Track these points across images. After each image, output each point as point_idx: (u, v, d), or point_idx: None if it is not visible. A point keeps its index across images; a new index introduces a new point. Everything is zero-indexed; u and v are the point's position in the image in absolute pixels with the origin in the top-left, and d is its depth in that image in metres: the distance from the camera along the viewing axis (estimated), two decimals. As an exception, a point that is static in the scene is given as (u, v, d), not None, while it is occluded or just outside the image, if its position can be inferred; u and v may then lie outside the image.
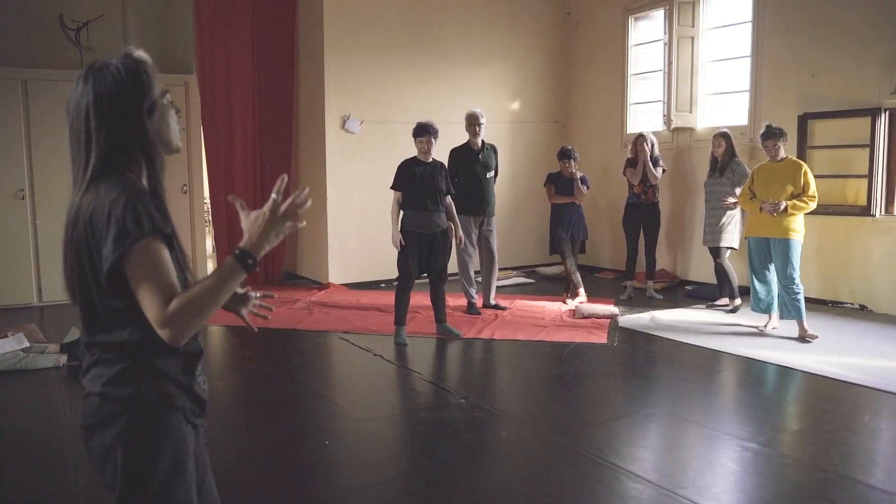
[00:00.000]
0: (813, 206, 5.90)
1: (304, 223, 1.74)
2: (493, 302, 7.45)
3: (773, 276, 6.12)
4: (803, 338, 5.99)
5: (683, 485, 3.46)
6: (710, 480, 3.56)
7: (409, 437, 4.27)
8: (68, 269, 1.71)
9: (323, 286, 8.48)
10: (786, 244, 5.92)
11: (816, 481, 3.50)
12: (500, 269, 7.85)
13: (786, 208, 5.85)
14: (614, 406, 4.71)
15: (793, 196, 5.90)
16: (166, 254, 1.62)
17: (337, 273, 8.57)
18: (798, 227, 5.94)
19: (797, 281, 5.93)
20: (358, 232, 8.61)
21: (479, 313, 7.16)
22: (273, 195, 1.68)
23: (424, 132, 6.12)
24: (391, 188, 6.21)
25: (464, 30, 9.08)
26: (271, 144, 8.78)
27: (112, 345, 1.69)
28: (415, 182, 6.09)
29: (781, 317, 6.15)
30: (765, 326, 6.31)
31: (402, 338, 6.11)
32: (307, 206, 1.71)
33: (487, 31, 9.27)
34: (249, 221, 1.69)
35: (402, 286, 6.16)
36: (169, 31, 8.50)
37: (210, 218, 8.88)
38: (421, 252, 6.11)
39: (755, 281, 6.22)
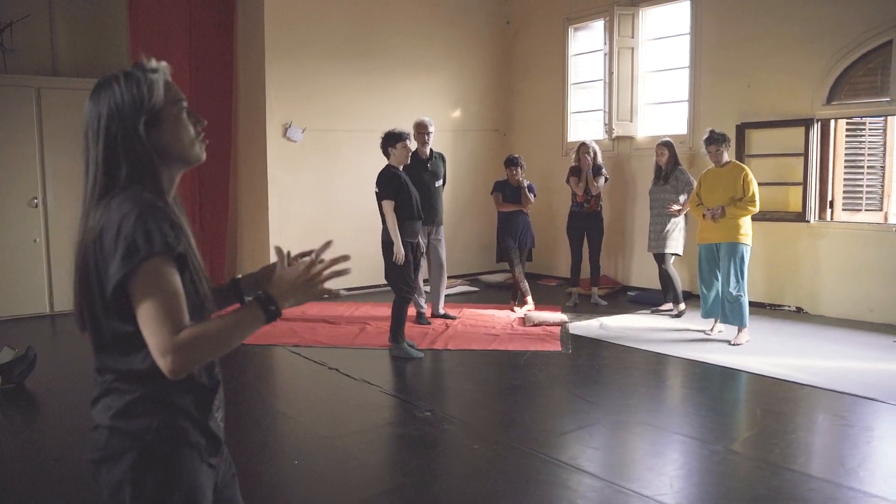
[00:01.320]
0: (753, 210, 6.02)
1: (340, 295, 1.72)
2: (442, 311, 7.40)
3: (720, 282, 6.25)
4: (730, 342, 6.13)
5: (662, 491, 3.49)
6: (686, 485, 3.60)
7: (380, 453, 4.18)
8: (77, 289, 1.60)
9: (265, 298, 8.26)
10: (732, 248, 6.04)
11: (787, 482, 3.58)
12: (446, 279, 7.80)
13: (723, 212, 5.98)
14: (579, 414, 4.73)
15: (734, 200, 6.02)
16: (177, 278, 1.52)
17: (279, 284, 8.35)
18: (744, 231, 6.05)
19: (742, 286, 6.05)
20: (300, 242, 8.20)
21: (429, 323, 7.10)
22: (314, 255, 1.68)
23: (404, 136, 6.04)
24: (386, 198, 5.94)
25: (406, 38, 9.04)
26: (209, 153, 8.45)
27: (122, 373, 1.58)
28: (406, 190, 6.00)
29: (724, 321, 6.27)
30: (711, 330, 6.46)
31: (413, 350, 6.01)
32: (345, 272, 1.68)
33: (429, 39, 9.26)
34: (285, 270, 1.66)
35: (408, 299, 6.06)
36: (101, 34, 8.13)
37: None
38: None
39: (703, 287, 6.36)
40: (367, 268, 8.71)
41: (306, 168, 8.42)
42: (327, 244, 1.71)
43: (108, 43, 8.09)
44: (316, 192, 8.49)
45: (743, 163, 7.27)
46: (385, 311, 7.49)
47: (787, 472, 3.69)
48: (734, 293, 6.05)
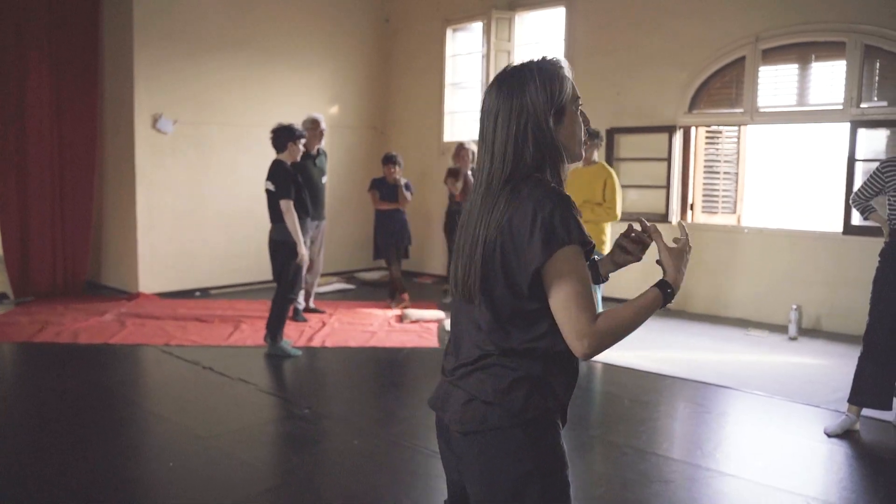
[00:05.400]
0: (612, 217, 5.81)
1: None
2: (312, 305, 7.36)
3: None
4: None
5: (538, 480, 3.60)
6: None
7: (259, 452, 4.09)
8: (469, 267, 1.66)
9: (132, 296, 7.90)
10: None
11: (653, 466, 3.80)
12: (320, 276, 7.74)
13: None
14: (458, 408, 4.80)
15: (590, 204, 5.78)
16: (586, 266, 1.60)
17: (147, 282, 8.01)
18: (603, 239, 5.85)
19: (599, 295, 5.88)
20: (170, 238, 8.11)
21: (305, 320, 7.01)
22: (684, 237, 1.85)
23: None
24: (286, 198, 5.66)
25: (282, 31, 8.87)
26: (72, 143, 8.01)
27: (510, 350, 1.64)
28: (301, 188, 5.87)
29: None
30: None
31: (290, 348, 5.88)
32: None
33: (307, 33, 9.13)
34: (671, 255, 1.79)
35: (293, 300, 5.97)
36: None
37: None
38: None
39: None
40: (240, 265, 8.57)
41: (177, 161, 8.11)
42: (681, 225, 1.94)
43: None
44: (186, 186, 8.19)
45: (613, 165, 7.63)
46: (259, 308, 7.34)
47: (653, 457, 3.91)
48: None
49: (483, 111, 1.71)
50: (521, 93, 1.64)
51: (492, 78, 1.73)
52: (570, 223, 1.57)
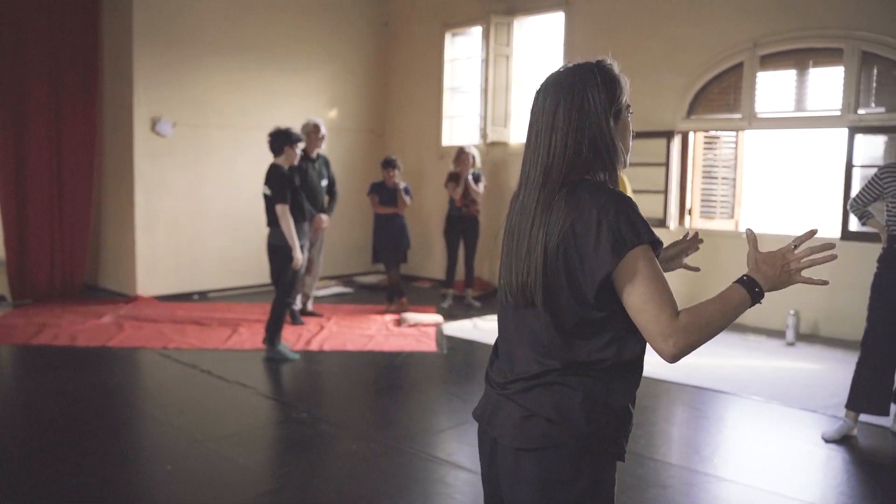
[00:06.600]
0: None
1: (827, 283, 1.62)
2: (310, 308, 7.36)
3: None
4: None
5: (536, 484, 3.61)
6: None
7: (257, 455, 4.09)
8: (527, 274, 1.60)
9: (130, 299, 7.89)
10: None
11: (651, 471, 3.80)
12: (318, 279, 7.75)
13: None
14: (455, 412, 4.81)
15: None
16: (658, 264, 1.55)
17: (145, 284, 8.01)
18: None
19: None
20: (168, 240, 8.11)
21: (303, 323, 7.01)
22: (792, 242, 1.63)
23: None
24: (283, 202, 5.62)
25: (283, 35, 8.88)
26: (71, 146, 8.00)
27: (573, 364, 1.59)
28: (298, 191, 5.87)
29: None
30: None
31: (288, 352, 5.87)
32: (831, 258, 1.58)
33: (306, 37, 9.13)
34: (760, 254, 1.63)
35: (291, 303, 6.05)
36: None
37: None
38: None
39: None
40: (238, 268, 8.57)
41: (175, 163, 8.11)
42: (811, 233, 1.67)
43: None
44: (185, 189, 8.20)
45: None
46: (257, 312, 7.34)
47: (651, 462, 3.91)
48: None
49: (537, 108, 1.66)
50: (582, 89, 1.61)
51: (544, 78, 1.70)
52: (637, 225, 1.53)
